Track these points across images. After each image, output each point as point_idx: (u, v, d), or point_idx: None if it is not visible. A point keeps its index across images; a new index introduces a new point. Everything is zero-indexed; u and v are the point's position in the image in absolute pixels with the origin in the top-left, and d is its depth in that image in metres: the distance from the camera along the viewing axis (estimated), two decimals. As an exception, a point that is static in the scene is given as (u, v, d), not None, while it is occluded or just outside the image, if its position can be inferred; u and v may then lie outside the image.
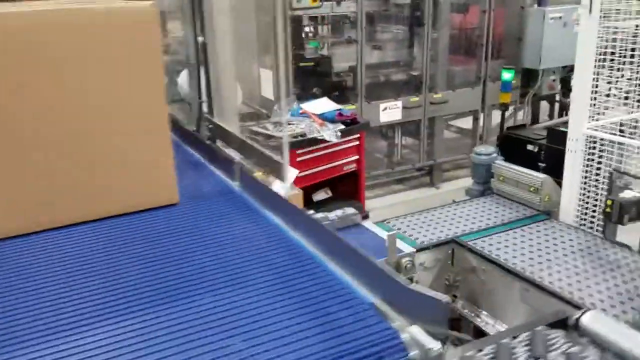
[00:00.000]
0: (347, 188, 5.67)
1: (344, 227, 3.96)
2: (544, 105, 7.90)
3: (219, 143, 3.16)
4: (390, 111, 6.16)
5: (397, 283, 1.32)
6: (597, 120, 3.68)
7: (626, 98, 3.52)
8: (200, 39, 2.61)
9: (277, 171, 2.03)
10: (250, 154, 2.38)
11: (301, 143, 4.85)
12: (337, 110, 5.13)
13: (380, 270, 1.39)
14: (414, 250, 3.59)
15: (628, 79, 3.57)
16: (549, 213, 4.07)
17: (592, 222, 3.83)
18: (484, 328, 3.51)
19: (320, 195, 5.72)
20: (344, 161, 5.31)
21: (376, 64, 6.42)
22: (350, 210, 4.17)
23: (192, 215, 1.92)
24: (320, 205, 5.59)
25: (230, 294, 1.44)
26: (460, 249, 3.70)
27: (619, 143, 3.58)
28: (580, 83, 3.66)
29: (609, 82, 3.62)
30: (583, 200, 3.85)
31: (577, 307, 2.94)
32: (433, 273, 3.74)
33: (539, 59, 6.57)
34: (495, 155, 4.48)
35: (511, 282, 3.34)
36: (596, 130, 3.66)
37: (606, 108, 3.62)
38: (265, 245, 1.71)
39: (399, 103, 6.18)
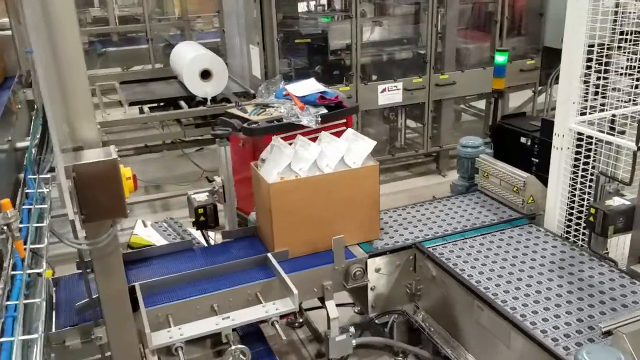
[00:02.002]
0: (337, 175, 5.32)
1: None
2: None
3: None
4: (389, 93, 5.72)
5: None
6: (585, 114, 3.17)
7: (614, 89, 3.00)
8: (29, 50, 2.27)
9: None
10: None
11: (277, 128, 4.52)
12: (320, 92, 4.75)
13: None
14: (366, 256, 3.26)
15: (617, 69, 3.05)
16: (533, 217, 3.61)
17: (577, 231, 3.36)
18: (442, 348, 3.15)
19: (308, 182, 5.40)
20: (329, 147, 4.95)
21: (377, 42, 5.96)
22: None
23: None
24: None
25: None
26: (421, 256, 3.33)
27: (607, 142, 3.08)
28: (568, 71, 3.16)
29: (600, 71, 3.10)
30: (569, 205, 3.38)
31: (526, 333, 2.55)
32: (392, 279, 3.38)
33: (561, 37, 5.92)
34: (482, 147, 4.03)
35: (467, 297, 2.96)
36: (583, 125, 3.17)
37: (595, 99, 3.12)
38: None
39: (400, 84, 5.72)
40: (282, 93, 4.94)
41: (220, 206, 3.54)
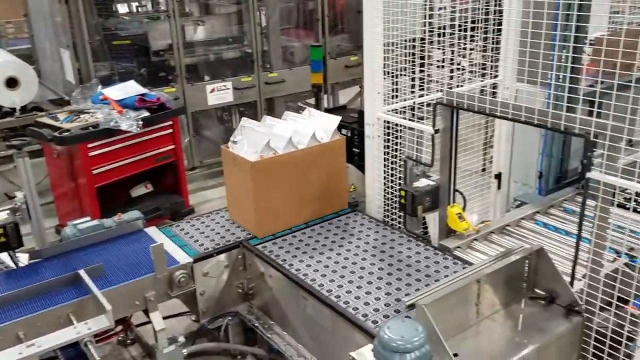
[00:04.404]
0: (170, 181, 5.14)
1: (123, 234, 3.47)
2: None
3: None
4: (219, 93, 5.64)
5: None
6: (391, 103, 3.35)
7: (420, 79, 3.22)
8: None
9: None
10: None
11: (93, 135, 4.24)
12: (139, 95, 4.53)
13: None
14: (191, 260, 3.15)
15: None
16: (356, 204, 3.75)
17: (394, 214, 3.54)
18: (274, 343, 3.13)
19: (139, 191, 5.15)
20: (157, 152, 4.76)
21: (203, 41, 5.84)
22: (135, 214, 3.65)
23: None
24: (139, 201, 5.04)
25: None
26: (250, 253, 3.29)
27: (410, 128, 3.28)
28: (370, 63, 3.31)
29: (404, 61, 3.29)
30: (386, 190, 3.55)
31: (348, 319, 2.62)
32: (222, 281, 3.31)
33: (379, 34, 6.25)
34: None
35: (293, 289, 2.98)
36: (389, 114, 3.34)
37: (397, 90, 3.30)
38: None
39: (229, 84, 5.66)
40: (98, 98, 4.66)
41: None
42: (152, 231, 3.48)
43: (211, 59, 5.87)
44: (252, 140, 3.35)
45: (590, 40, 3.45)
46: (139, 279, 2.96)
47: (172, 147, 4.82)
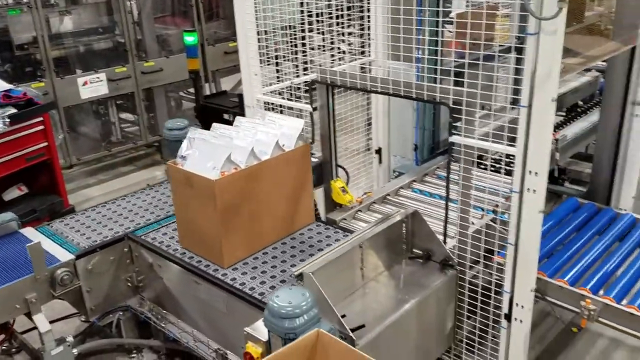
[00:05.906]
0: (46, 181, 4.86)
1: (-3, 237, 3.26)
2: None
3: None
4: (92, 85, 5.39)
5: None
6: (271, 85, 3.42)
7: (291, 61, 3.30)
8: None
9: None
10: None
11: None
12: (3, 91, 4.24)
13: None
14: (73, 257, 3.03)
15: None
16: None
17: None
18: (169, 332, 3.10)
19: (12, 194, 4.82)
20: (27, 150, 4.48)
21: (71, 32, 5.55)
22: (7, 216, 3.44)
23: None
24: (13, 205, 4.72)
25: None
26: (136, 245, 3.22)
27: (289, 107, 3.36)
28: (244, 46, 3.34)
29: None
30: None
31: (241, 297, 2.67)
32: (110, 276, 3.21)
33: (256, 19, 6.27)
34: (188, 129, 4.04)
35: (183, 275, 2.97)
36: (268, 95, 3.40)
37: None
38: None
39: (102, 75, 5.43)
40: (-43, 96, 4.29)
41: None
42: (29, 232, 3.31)
43: (81, 50, 5.59)
44: (208, 153, 2.84)
45: (450, 17, 3.72)
46: (16, 281, 2.82)
47: (45, 144, 4.55)
